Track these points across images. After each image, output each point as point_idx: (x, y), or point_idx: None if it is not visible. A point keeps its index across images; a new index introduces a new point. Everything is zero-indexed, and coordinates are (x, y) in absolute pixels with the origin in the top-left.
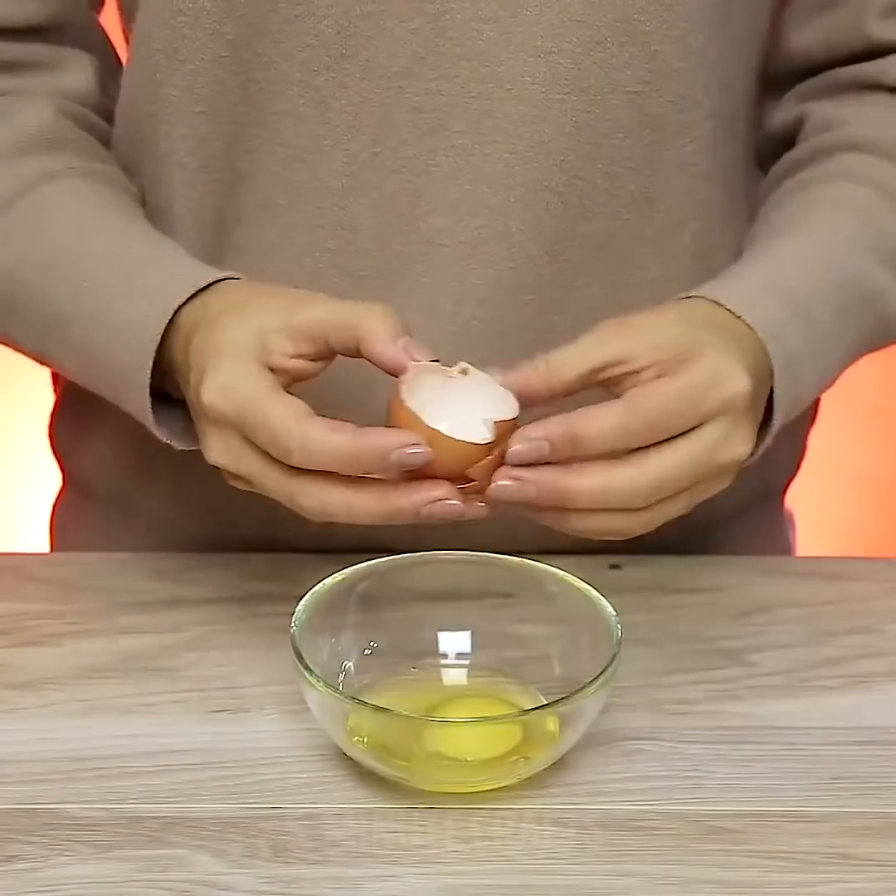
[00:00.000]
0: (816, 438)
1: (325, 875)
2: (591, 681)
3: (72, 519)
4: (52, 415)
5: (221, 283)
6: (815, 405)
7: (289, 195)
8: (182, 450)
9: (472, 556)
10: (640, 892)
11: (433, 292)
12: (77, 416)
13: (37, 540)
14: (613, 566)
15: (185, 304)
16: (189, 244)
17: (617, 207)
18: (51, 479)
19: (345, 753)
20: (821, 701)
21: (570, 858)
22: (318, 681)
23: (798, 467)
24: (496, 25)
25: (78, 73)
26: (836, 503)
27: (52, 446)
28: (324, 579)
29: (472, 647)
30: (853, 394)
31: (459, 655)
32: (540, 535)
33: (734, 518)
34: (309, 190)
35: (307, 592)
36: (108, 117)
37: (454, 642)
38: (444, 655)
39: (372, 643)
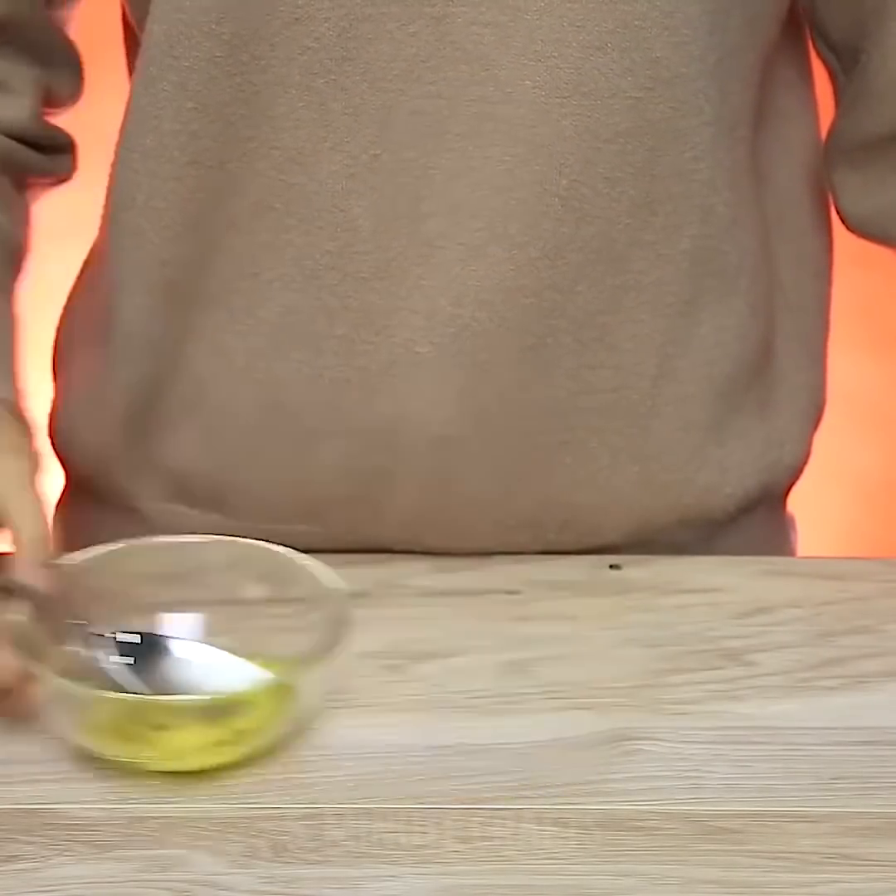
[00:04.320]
0: (816, 439)
1: (325, 875)
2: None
3: (73, 518)
4: (52, 407)
5: None
6: (821, 409)
7: (285, 198)
8: (180, 443)
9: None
10: (640, 892)
11: (433, 294)
12: (74, 407)
13: None
14: (613, 566)
15: None
16: (176, 246)
17: (617, 212)
18: (51, 479)
19: (345, 753)
20: (821, 701)
21: (570, 858)
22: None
23: (801, 471)
24: (496, 29)
25: (12, 97)
26: (837, 504)
27: (51, 438)
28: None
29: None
30: (853, 394)
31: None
32: (539, 535)
33: (735, 521)
34: (307, 192)
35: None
36: (46, 139)
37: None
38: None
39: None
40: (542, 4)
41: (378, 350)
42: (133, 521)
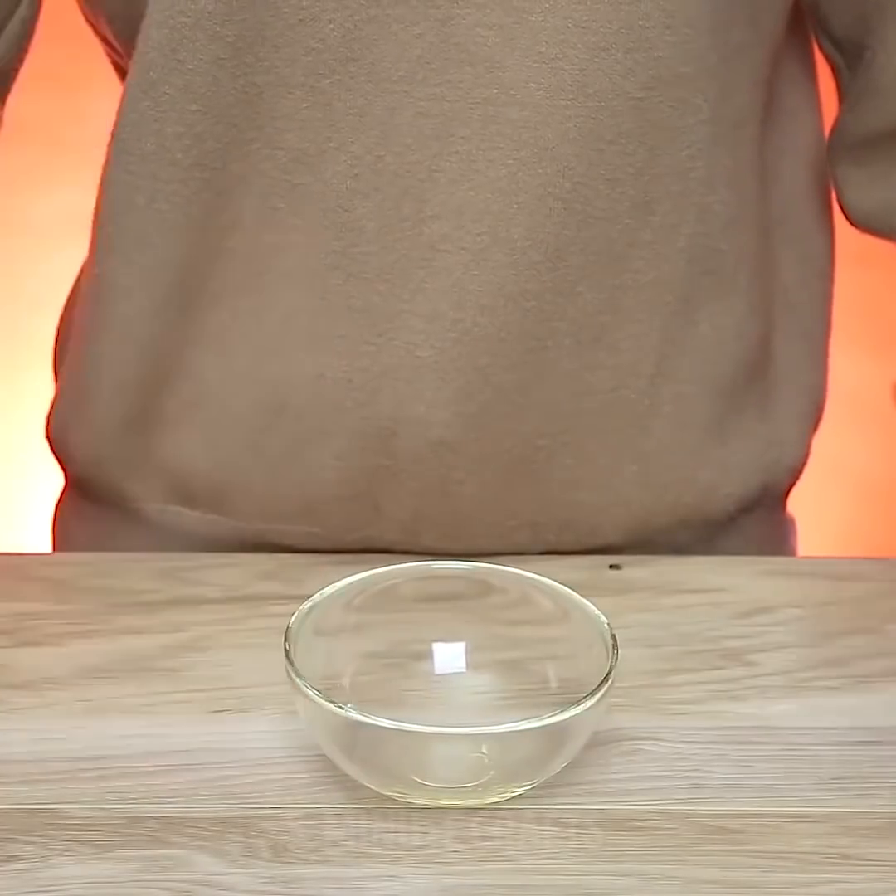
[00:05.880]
0: (816, 439)
1: (325, 875)
2: (587, 695)
3: (73, 519)
4: (52, 407)
5: None
6: (821, 409)
7: (289, 199)
8: (180, 443)
9: (468, 566)
10: (640, 892)
11: (435, 297)
12: (74, 407)
13: (37, 540)
14: (613, 566)
15: None
16: (181, 248)
17: (617, 212)
18: (51, 479)
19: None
20: (821, 701)
21: (570, 858)
22: (314, 692)
23: (801, 471)
24: (501, 31)
25: None
26: (837, 504)
27: (49, 437)
28: (320, 590)
29: (467, 659)
30: (853, 394)
31: (455, 666)
32: (539, 535)
33: (735, 521)
34: (312, 192)
35: (303, 604)
36: None
37: (449, 654)
38: (439, 666)
39: (368, 655)
40: (547, 6)
41: (380, 352)
42: (132, 521)
